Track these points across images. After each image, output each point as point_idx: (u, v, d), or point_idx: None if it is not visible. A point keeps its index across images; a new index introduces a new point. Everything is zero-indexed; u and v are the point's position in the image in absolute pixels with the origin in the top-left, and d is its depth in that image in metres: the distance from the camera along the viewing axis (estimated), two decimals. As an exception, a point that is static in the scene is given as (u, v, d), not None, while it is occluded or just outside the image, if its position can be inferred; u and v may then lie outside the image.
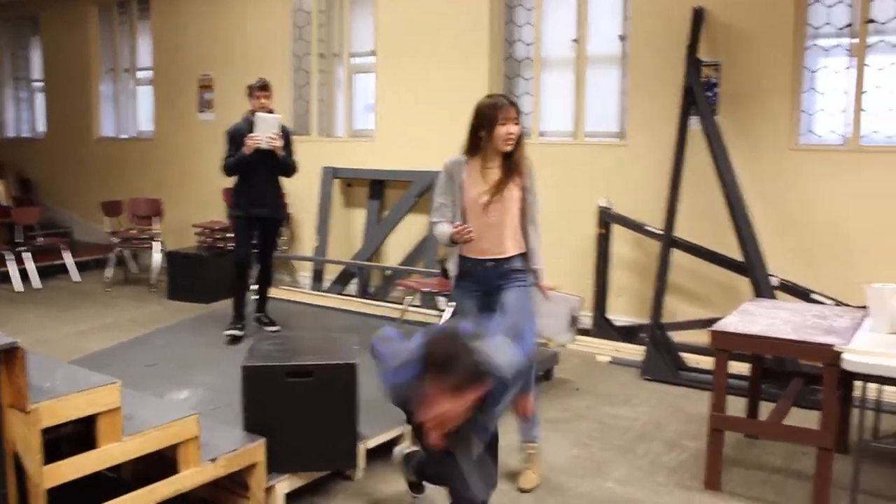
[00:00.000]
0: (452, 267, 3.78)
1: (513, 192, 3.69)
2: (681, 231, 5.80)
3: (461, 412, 2.54)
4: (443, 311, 6.29)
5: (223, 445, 3.31)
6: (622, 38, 6.43)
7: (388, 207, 7.67)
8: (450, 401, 2.48)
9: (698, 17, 5.82)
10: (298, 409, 3.45)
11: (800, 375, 4.50)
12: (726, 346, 3.76)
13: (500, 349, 2.64)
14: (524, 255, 3.75)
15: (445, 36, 7.12)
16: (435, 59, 7.20)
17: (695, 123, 5.81)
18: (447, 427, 2.58)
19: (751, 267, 5.45)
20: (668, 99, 5.97)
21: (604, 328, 6.18)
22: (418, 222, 7.31)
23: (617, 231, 6.28)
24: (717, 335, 3.76)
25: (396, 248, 7.56)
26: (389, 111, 7.58)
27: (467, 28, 7.00)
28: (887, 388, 4.06)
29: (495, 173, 3.67)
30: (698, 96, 5.76)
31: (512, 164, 3.68)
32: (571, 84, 6.75)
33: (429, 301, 6.74)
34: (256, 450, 3.37)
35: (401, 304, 6.50)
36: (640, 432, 4.49)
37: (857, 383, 3.84)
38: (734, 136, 5.75)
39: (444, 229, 3.66)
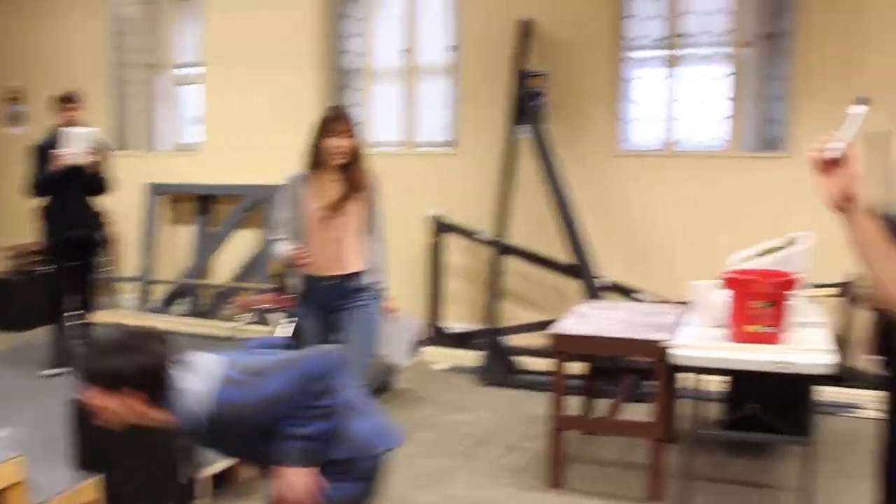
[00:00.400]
0: (294, 284, 3.67)
1: (354, 207, 3.63)
2: (513, 237, 5.92)
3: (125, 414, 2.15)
4: (277, 327, 6.12)
5: (54, 486, 3.06)
6: (452, 48, 6.50)
7: (217, 223, 7.40)
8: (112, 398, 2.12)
9: (525, 28, 5.97)
10: (133, 441, 3.22)
11: (630, 371, 4.67)
12: (564, 347, 3.84)
13: (196, 383, 2.14)
14: (369, 272, 3.70)
15: (275, 46, 6.97)
16: (265, 70, 7.02)
17: (524, 132, 5.94)
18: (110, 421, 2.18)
19: (580, 269, 5.63)
20: (498, 108, 6.08)
21: (440, 336, 6.21)
22: (249, 237, 7.10)
23: (450, 239, 6.33)
24: (555, 338, 3.84)
25: (227, 265, 7.31)
26: (218, 123, 7.32)
27: (297, 38, 6.88)
28: (708, 377, 4.29)
29: (335, 188, 3.60)
30: (526, 106, 5.90)
31: (352, 178, 3.62)
32: (402, 94, 6.77)
33: (263, 318, 6.54)
34: (91, 487, 3.13)
35: (234, 321, 6.28)
36: (482, 437, 4.52)
37: (682, 375, 4.03)
38: (562, 143, 5.92)
39: (283, 248, 3.55)
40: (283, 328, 5.22)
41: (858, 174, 1.63)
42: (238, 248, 7.20)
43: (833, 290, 5.07)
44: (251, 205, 7.02)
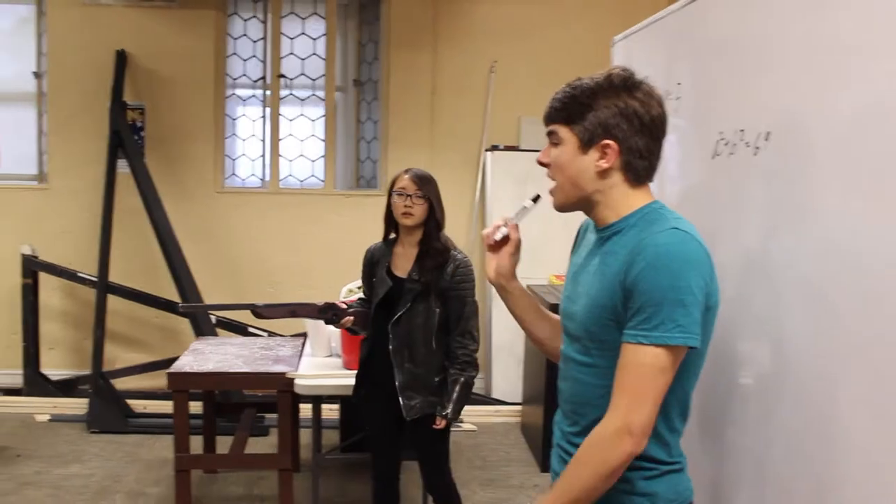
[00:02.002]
0: None
1: None
2: (116, 276, 5.66)
3: None
4: None
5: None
6: (37, 74, 6.07)
7: None
8: None
9: (121, 59, 5.79)
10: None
11: (249, 405, 4.75)
12: (185, 386, 3.82)
13: None
14: None
15: None
16: None
17: (123, 166, 5.74)
18: None
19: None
20: (94, 141, 5.80)
21: (39, 384, 5.72)
22: None
23: (46, 280, 5.88)
24: (174, 377, 3.80)
25: None
26: None
27: None
28: (327, 405, 4.54)
29: None
30: (125, 139, 5.71)
31: None
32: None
33: None
34: None
35: None
36: (99, 489, 4.28)
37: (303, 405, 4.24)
38: (163, 178, 5.82)
39: None
40: None
41: (517, 255, 1.90)
42: None
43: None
44: None
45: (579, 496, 1.57)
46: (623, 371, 1.56)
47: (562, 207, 1.73)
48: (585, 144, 1.64)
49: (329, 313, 3.32)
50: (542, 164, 1.71)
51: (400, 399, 3.12)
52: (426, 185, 3.15)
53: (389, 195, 3.20)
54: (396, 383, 3.12)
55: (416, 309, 3.13)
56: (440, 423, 3.12)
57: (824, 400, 1.57)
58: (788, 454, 1.70)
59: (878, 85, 1.44)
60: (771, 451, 1.76)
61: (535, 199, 1.87)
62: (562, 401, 1.80)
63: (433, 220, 3.17)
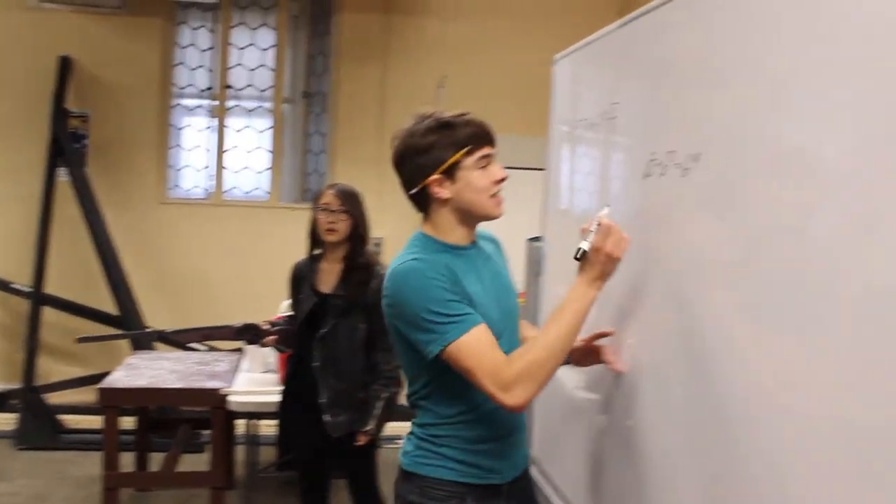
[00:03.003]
0: None
1: None
2: (53, 287, 5.52)
3: None
4: None
5: None
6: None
7: None
8: None
9: (65, 66, 5.66)
10: None
11: (185, 422, 4.64)
12: (116, 402, 3.72)
13: None
14: None
15: None
16: None
17: (63, 175, 5.61)
18: None
19: (126, 320, 5.44)
20: (34, 149, 5.65)
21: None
22: None
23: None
24: (104, 392, 3.70)
25: None
26: None
27: None
28: (262, 421, 4.46)
29: None
30: (66, 147, 5.58)
31: None
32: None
33: None
34: None
35: None
36: (24, 507, 4.16)
37: (239, 421, 4.15)
38: (105, 188, 5.69)
39: None
40: None
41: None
42: None
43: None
44: None
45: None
46: None
47: None
48: None
49: (248, 335, 3.27)
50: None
51: (325, 416, 3.07)
52: (349, 201, 3.13)
53: (314, 211, 3.17)
54: (322, 400, 3.07)
55: (340, 325, 3.11)
56: (362, 440, 3.08)
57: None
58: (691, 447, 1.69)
59: (804, 112, 1.44)
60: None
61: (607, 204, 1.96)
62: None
63: (358, 235, 3.15)
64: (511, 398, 1.75)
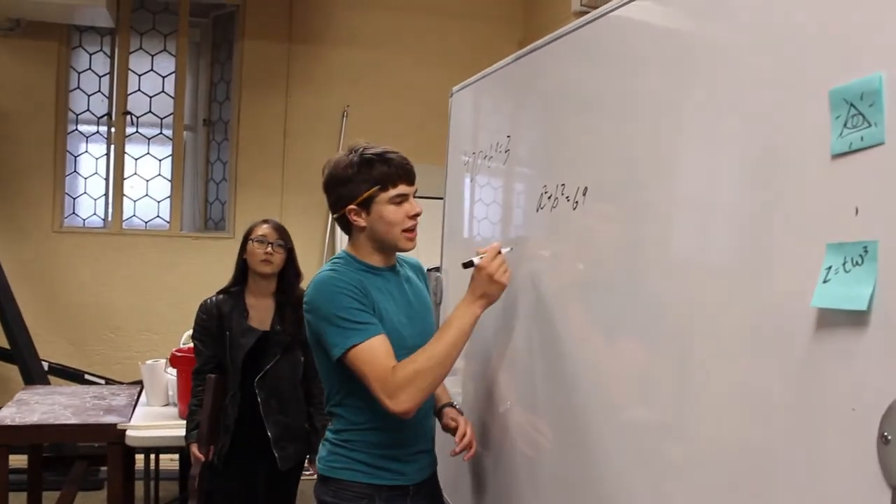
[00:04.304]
0: None
1: None
2: (-62, 320, 5.29)
3: None
4: None
5: None
6: None
7: None
8: None
9: (-50, 91, 5.46)
10: None
11: (81, 458, 4.49)
12: (5, 440, 3.56)
13: None
14: None
15: None
16: None
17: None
18: None
19: (18, 353, 5.23)
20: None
21: None
22: None
23: None
24: (-6, 430, 3.55)
25: None
26: None
27: None
28: (164, 455, 4.35)
29: None
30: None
31: None
32: None
33: None
34: None
35: None
36: None
37: (139, 456, 4.04)
38: (-5, 216, 5.51)
39: None
40: None
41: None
42: None
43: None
44: None
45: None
46: None
47: None
48: None
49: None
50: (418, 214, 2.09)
51: (274, 451, 3.09)
52: (286, 235, 3.21)
53: (245, 243, 3.18)
54: (270, 436, 3.08)
55: (283, 360, 3.14)
56: (313, 469, 3.09)
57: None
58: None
59: (688, 148, 1.51)
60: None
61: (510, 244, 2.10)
62: None
63: (292, 269, 3.21)
64: (396, 404, 1.91)
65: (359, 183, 2.05)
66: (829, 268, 1.11)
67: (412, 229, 2.09)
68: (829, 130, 1.13)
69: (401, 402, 1.90)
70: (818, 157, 1.15)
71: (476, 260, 1.99)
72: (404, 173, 2.07)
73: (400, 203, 2.05)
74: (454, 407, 2.26)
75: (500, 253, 1.99)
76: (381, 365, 1.93)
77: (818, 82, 1.15)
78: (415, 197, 2.11)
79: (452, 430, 2.18)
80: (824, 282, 1.12)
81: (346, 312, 1.97)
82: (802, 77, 1.20)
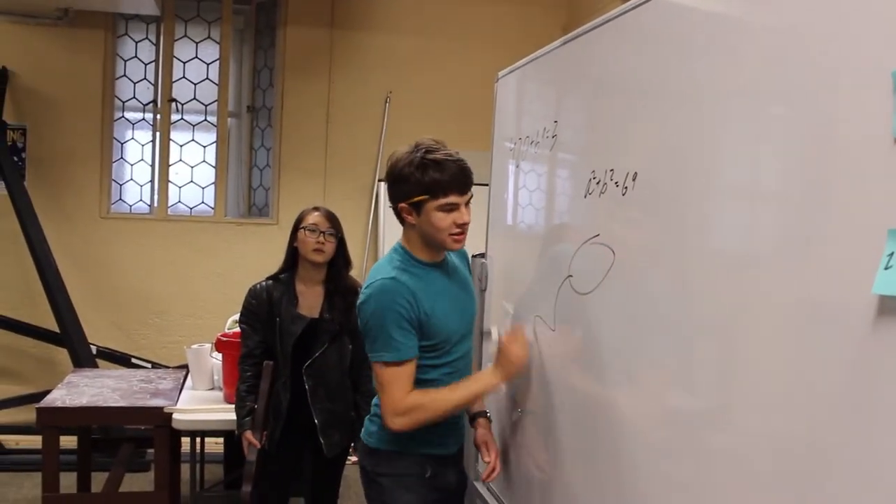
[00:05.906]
0: None
1: None
2: (-10, 304, 5.41)
3: None
4: None
5: None
6: None
7: None
8: None
9: (2, 77, 5.55)
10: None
11: (128, 441, 4.56)
12: (55, 422, 3.63)
13: None
14: None
15: None
16: None
17: (0, 189, 5.49)
18: None
19: (68, 337, 5.33)
20: (-31, 163, 5.53)
21: None
22: None
23: None
24: (43, 412, 3.60)
25: None
26: None
27: None
28: (209, 438, 4.41)
29: None
30: (4, 161, 5.46)
31: None
32: None
33: None
34: None
35: None
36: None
37: (185, 439, 4.09)
38: (44, 202, 5.58)
39: None
40: None
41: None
42: None
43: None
44: None
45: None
46: None
47: None
48: None
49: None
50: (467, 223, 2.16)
51: (321, 438, 3.13)
52: (337, 224, 3.19)
53: (295, 231, 3.17)
54: (316, 423, 3.12)
55: (332, 348, 3.15)
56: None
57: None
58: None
59: (737, 134, 1.48)
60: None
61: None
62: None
63: (342, 258, 3.20)
64: (391, 423, 2.15)
65: (412, 185, 2.10)
66: (892, 254, 1.08)
67: (460, 234, 2.14)
68: (891, 113, 1.10)
69: (396, 424, 2.14)
70: (878, 140, 1.12)
71: (493, 332, 2.21)
72: (457, 183, 2.09)
73: (449, 211, 2.10)
74: (487, 417, 2.43)
75: (522, 334, 2.22)
76: (398, 389, 2.13)
77: (877, 63, 1.12)
78: (468, 204, 2.15)
79: (479, 448, 2.40)
80: (886, 268, 1.09)
81: (391, 329, 2.11)
82: (860, 58, 1.17)
